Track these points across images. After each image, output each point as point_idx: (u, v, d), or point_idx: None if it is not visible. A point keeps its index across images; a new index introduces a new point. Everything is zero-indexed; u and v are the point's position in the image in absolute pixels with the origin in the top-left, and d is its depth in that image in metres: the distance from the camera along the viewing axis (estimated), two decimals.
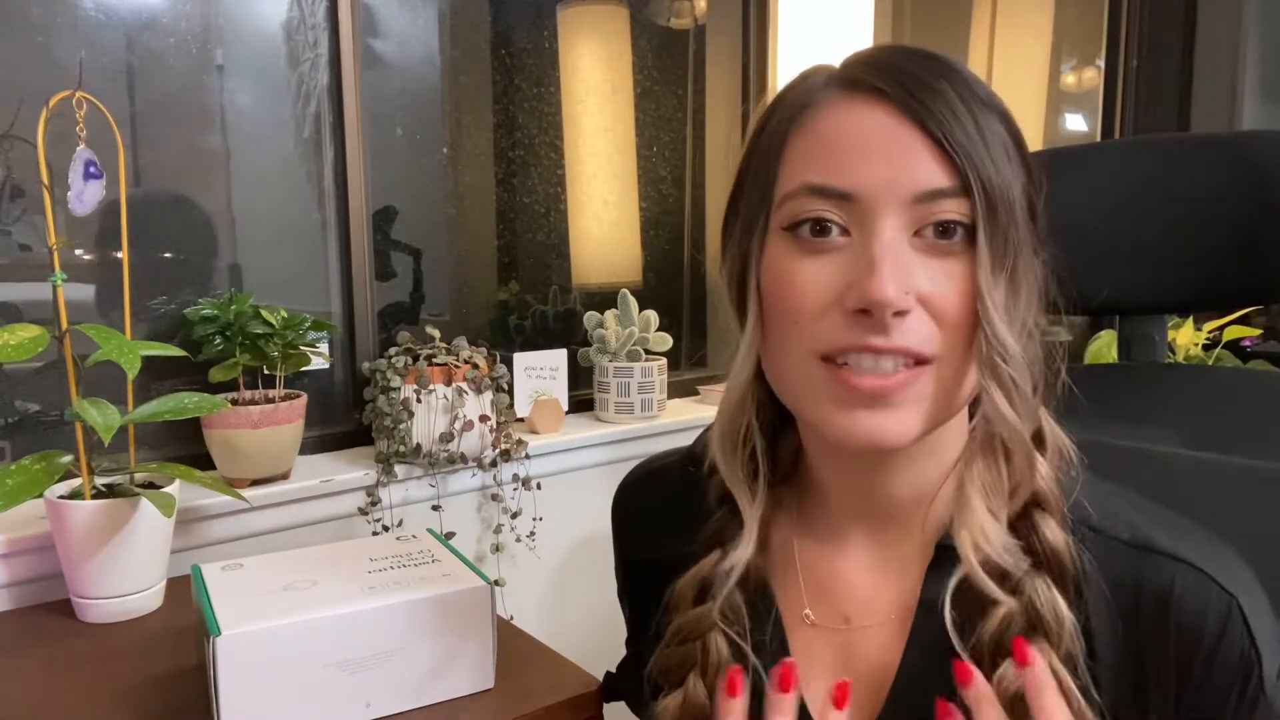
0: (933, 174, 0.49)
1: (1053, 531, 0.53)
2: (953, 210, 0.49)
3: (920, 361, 0.50)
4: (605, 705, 0.78)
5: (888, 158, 0.49)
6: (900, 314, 0.49)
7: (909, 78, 0.50)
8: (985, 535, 0.52)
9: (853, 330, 0.49)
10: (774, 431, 0.61)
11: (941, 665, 0.53)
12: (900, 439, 0.51)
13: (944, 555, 0.56)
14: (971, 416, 0.56)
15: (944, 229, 0.50)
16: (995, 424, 0.51)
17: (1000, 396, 0.51)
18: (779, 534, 0.62)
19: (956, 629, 0.53)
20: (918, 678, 0.56)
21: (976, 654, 0.52)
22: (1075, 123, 2.40)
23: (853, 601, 0.60)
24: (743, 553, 0.58)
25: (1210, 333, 1.67)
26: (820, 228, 0.51)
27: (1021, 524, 0.53)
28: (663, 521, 0.67)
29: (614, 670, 0.77)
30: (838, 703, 0.52)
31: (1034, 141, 2.31)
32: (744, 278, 0.56)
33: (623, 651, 0.76)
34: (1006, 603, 0.51)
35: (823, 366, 0.51)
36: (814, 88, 0.53)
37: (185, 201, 1.26)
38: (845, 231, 0.51)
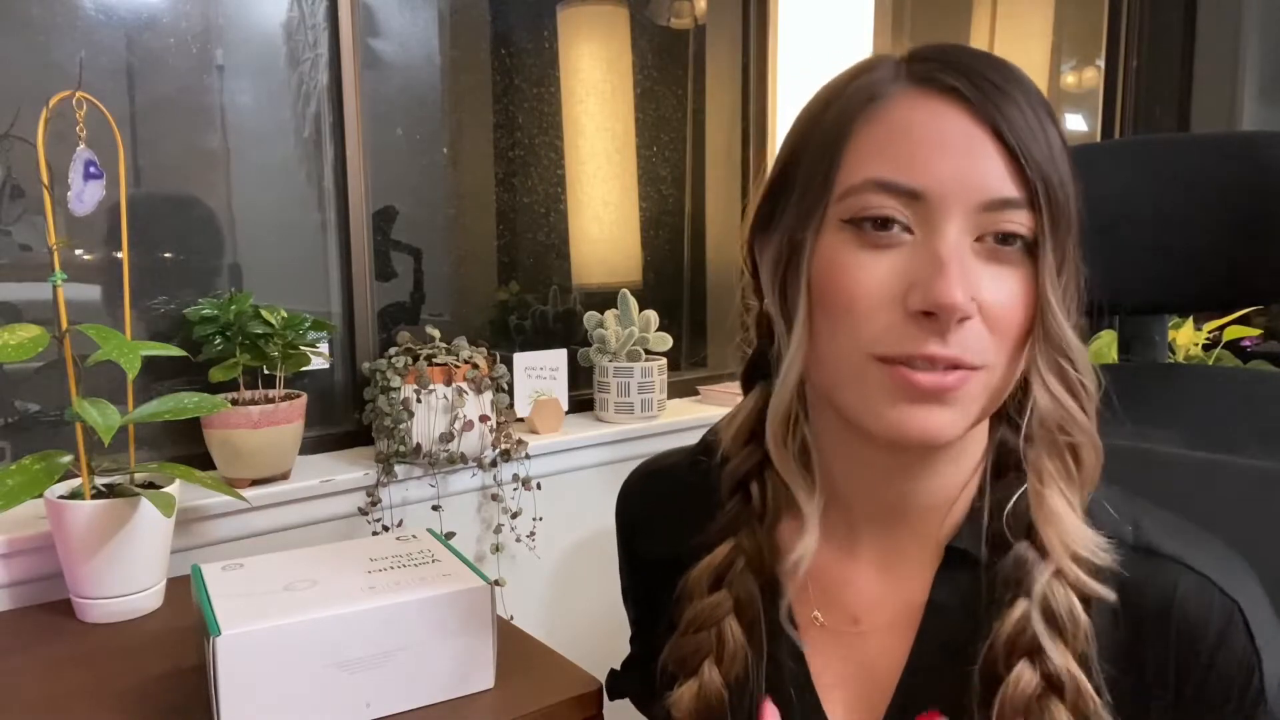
0: (1004, 183, 0.49)
1: None
2: (1018, 221, 0.49)
3: (973, 367, 0.50)
4: (608, 704, 0.78)
5: (960, 159, 0.49)
6: (961, 319, 0.49)
7: (982, 79, 0.49)
8: (1071, 535, 0.52)
9: (911, 333, 0.49)
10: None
11: (949, 666, 0.54)
12: (949, 434, 0.51)
13: (954, 557, 0.57)
14: (993, 429, 0.57)
15: (1004, 237, 0.50)
16: (1068, 428, 0.53)
17: (1073, 402, 0.52)
18: (790, 535, 0.61)
19: (967, 630, 0.53)
20: (924, 678, 0.56)
21: (990, 655, 0.52)
22: (1075, 123, 2.40)
23: (861, 603, 0.60)
24: (809, 543, 0.57)
25: (1210, 333, 1.67)
26: (884, 223, 0.50)
27: None
28: (673, 518, 0.66)
29: (617, 668, 0.77)
30: None
31: None
32: (791, 267, 0.54)
33: (623, 651, 0.76)
34: (1034, 602, 0.51)
35: (879, 365, 0.51)
36: (882, 79, 0.52)
37: (185, 201, 1.26)
38: (908, 228, 0.50)
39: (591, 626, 1.49)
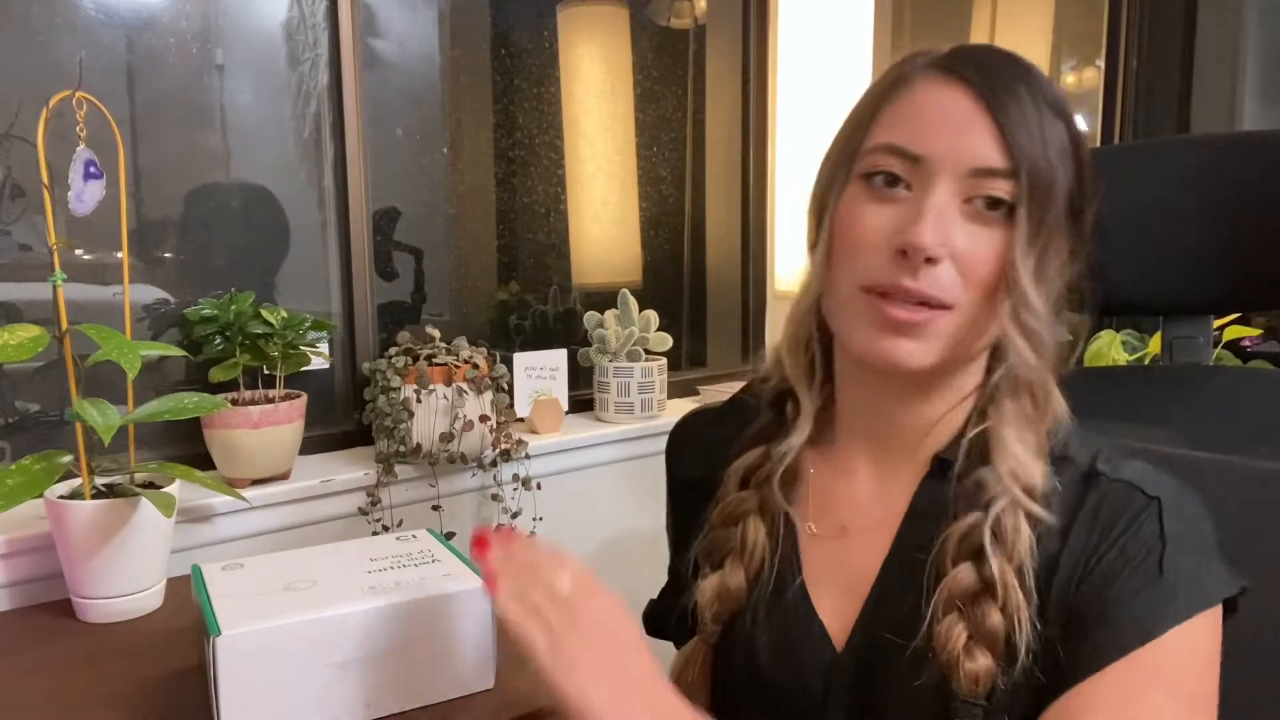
0: (990, 154, 0.58)
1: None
2: (1000, 189, 0.58)
3: (942, 306, 0.59)
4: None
5: (956, 133, 0.59)
6: (931, 261, 0.58)
7: (992, 73, 0.59)
8: (1025, 467, 0.59)
9: (891, 269, 0.59)
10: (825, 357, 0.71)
11: (919, 564, 0.62)
12: (916, 362, 0.60)
13: (939, 468, 0.64)
14: (990, 370, 0.64)
15: (991, 203, 0.59)
16: (1019, 369, 0.60)
17: (1024, 344, 0.59)
18: (799, 458, 0.70)
19: (934, 533, 0.61)
20: (900, 575, 0.63)
21: (941, 553, 0.60)
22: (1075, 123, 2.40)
23: (851, 512, 0.68)
24: (798, 438, 0.68)
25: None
26: (890, 179, 0.60)
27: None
28: (710, 445, 0.76)
29: (656, 599, 0.81)
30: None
31: None
32: (821, 211, 0.65)
33: None
34: (987, 516, 0.59)
35: (865, 296, 0.61)
36: (914, 68, 0.62)
37: (185, 201, 1.26)
38: (909, 188, 0.60)
39: None
